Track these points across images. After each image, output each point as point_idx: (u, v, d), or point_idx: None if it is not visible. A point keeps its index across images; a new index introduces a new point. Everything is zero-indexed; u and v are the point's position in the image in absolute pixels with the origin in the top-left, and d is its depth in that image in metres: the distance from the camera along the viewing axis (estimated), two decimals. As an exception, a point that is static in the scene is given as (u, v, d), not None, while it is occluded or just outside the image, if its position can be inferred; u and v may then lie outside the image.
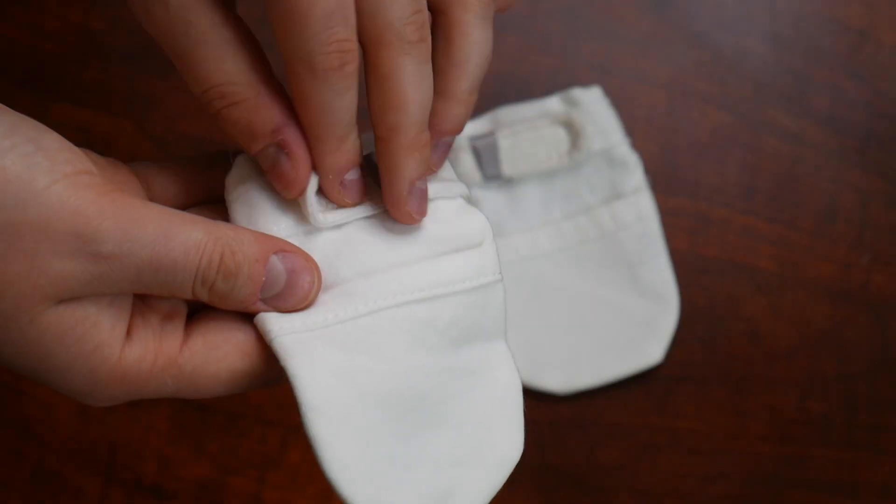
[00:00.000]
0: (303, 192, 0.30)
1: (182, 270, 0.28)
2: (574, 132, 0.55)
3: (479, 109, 0.57)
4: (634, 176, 0.56)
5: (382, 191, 0.30)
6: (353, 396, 0.29)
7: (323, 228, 0.30)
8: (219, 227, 0.28)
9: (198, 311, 0.31)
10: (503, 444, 0.32)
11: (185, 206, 0.32)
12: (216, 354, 0.29)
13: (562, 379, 0.55)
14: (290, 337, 0.29)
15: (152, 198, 0.32)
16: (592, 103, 0.55)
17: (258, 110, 0.29)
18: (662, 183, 0.57)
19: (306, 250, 0.30)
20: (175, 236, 0.27)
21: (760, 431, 0.56)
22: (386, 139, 0.29)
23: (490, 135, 0.55)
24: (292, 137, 0.29)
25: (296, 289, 0.29)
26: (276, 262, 0.29)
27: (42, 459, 0.54)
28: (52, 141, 0.27)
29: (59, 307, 0.27)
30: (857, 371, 0.56)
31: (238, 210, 0.31)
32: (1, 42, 0.56)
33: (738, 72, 0.57)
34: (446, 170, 0.33)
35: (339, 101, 0.28)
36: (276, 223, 0.30)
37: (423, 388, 0.30)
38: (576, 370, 0.55)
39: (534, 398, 0.56)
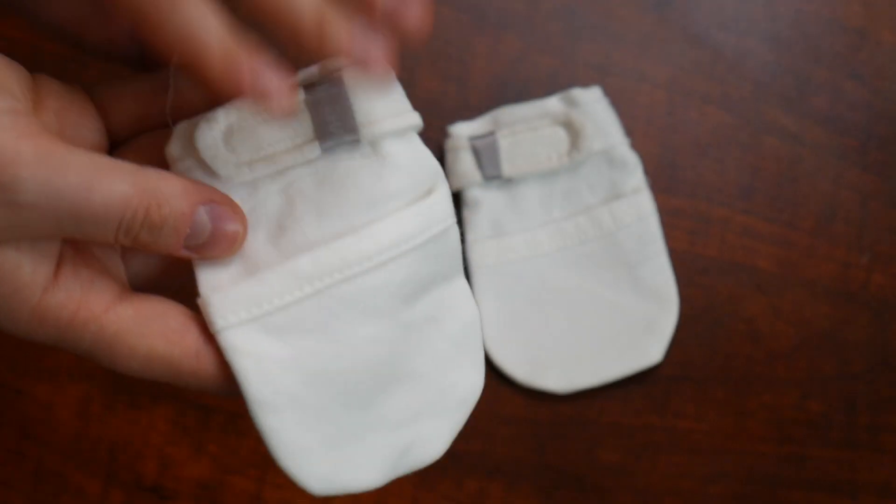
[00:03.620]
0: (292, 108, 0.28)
1: (104, 222, 0.27)
2: (574, 132, 0.55)
3: (479, 109, 0.57)
4: (634, 176, 0.56)
5: (287, 34, 0.28)
6: (301, 383, 0.29)
7: (267, 197, 0.30)
8: (147, 177, 0.28)
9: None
10: (461, 384, 0.31)
11: (143, 131, 0.32)
12: (141, 329, 0.29)
13: (562, 379, 0.55)
14: (235, 331, 0.29)
15: (109, 124, 0.31)
16: (592, 103, 0.55)
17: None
18: (662, 183, 0.57)
19: (250, 223, 0.30)
20: (98, 188, 0.26)
21: (760, 431, 0.56)
22: None
23: (490, 135, 0.55)
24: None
25: (220, 240, 0.29)
26: (202, 214, 0.29)
27: (42, 459, 0.54)
28: None
29: None
30: (856, 371, 0.57)
31: None
32: (1, 42, 0.56)
33: (737, 72, 0.57)
34: (395, 97, 0.30)
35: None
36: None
37: (379, 355, 0.30)
38: (576, 370, 0.56)
39: (534, 398, 0.56)
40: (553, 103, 0.56)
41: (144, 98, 0.32)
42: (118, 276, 0.31)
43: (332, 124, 0.30)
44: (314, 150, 0.30)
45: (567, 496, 0.56)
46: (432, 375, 0.31)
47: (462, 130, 0.56)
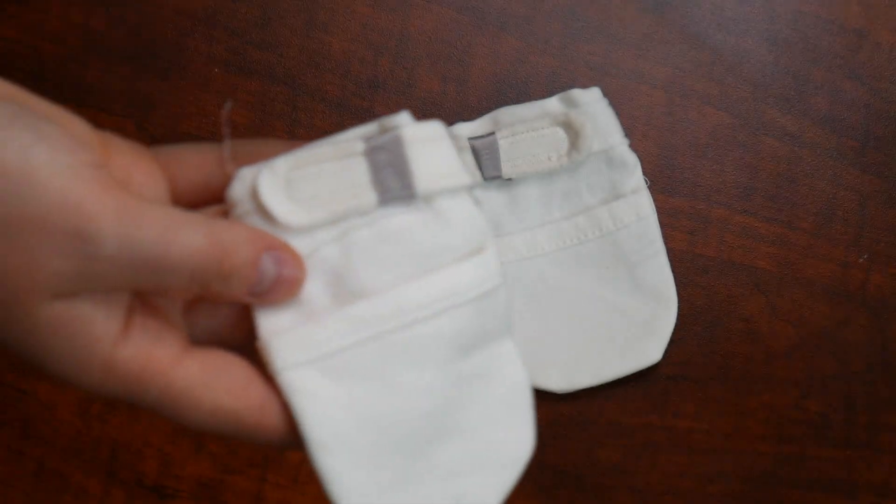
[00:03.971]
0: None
1: (180, 273, 0.28)
2: (573, 133, 0.55)
3: (479, 110, 0.57)
4: (633, 176, 0.56)
5: None
6: (357, 426, 0.30)
7: (323, 245, 0.31)
8: (218, 229, 0.29)
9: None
10: (512, 443, 0.32)
11: (205, 202, 0.32)
12: (207, 383, 0.29)
13: (561, 378, 0.55)
14: (294, 372, 0.30)
15: (174, 187, 0.32)
16: (592, 104, 0.55)
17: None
18: (661, 183, 0.57)
19: (307, 270, 0.31)
20: (175, 240, 0.27)
21: (759, 431, 0.56)
22: None
23: (490, 135, 0.55)
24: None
25: (282, 285, 0.30)
26: (267, 262, 0.29)
27: (44, 458, 0.54)
28: (55, 130, 0.27)
29: (54, 303, 0.27)
30: (855, 371, 0.57)
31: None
32: (1, 42, 0.56)
33: (736, 72, 0.58)
34: (449, 156, 0.32)
35: None
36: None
37: (432, 404, 0.31)
38: (575, 370, 0.56)
39: (534, 398, 0.56)
40: (553, 104, 0.56)
41: (208, 168, 0.32)
42: (181, 330, 0.31)
43: (390, 178, 0.31)
44: (371, 202, 0.30)
45: (567, 495, 0.56)
46: (481, 431, 0.32)
47: (462, 131, 0.56)
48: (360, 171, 0.30)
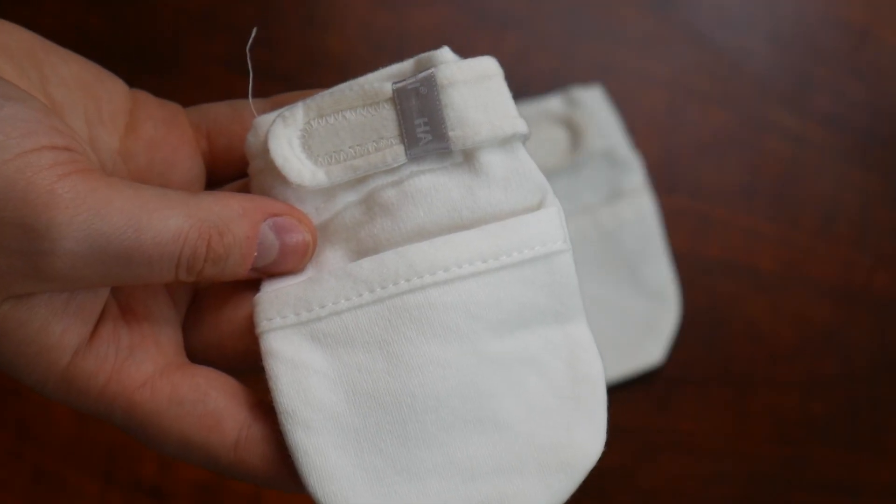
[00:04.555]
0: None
1: (159, 263, 0.24)
2: (574, 132, 0.55)
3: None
4: (635, 176, 0.56)
5: None
6: (345, 401, 0.26)
7: (345, 208, 0.27)
8: (201, 205, 0.25)
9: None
10: (572, 446, 0.27)
11: (246, 165, 0.29)
12: (174, 411, 0.25)
13: (562, 380, 0.55)
14: (277, 334, 0.26)
15: (212, 149, 0.29)
16: (593, 103, 0.55)
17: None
18: (663, 183, 0.57)
19: (326, 235, 0.27)
20: (148, 227, 0.23)
21: (762, 432, 0.56)
22: None
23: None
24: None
25: (289, 254, 0.27)
26: (268, 233, 0.26)
27: (41, 461, 0.54)
28: (17, 110, 0.23)
29: (2, 306, 0.24)
30: (858, 372, 0.56)
31: (255, 188, 0.28)
32: None
33: (739, 71, 0.57)
34: (497, 101, 0.26)
35: None
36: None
37: (453, 387, 0.26)
38: (576, 371, 0.55)
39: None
40: (554, 103, 0.56)
41: (242, 124, 0.29)
42: (169, 343, 0.27)
43: (420, 129, 0.26)
44: (399, 157, 0.26)
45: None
46: (525, 427, 0.26)
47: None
48: (386, 119, 0.26)
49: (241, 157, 0.28)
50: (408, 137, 0.26)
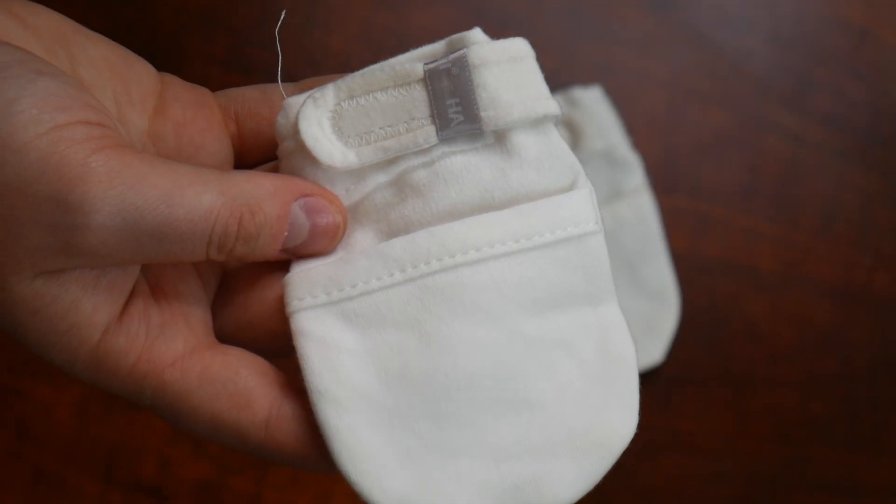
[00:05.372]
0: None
1: (191, 239, 0.24)
2: (574, 132, 0.55)
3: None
4: (635, 176, 0.56)
5: None
6: (377, 380, 0.26)
7: (375, 189, 0.27)
8: (234, 183, 0.25)
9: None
10: (604, 427, 0.27)
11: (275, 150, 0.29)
12: (205, 390, 0.25)
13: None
14: (308, 313, 0.26)
15: (241, 133, 0.29)
16: (593, 103, 0.55)
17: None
18: (663, 183, 0.57)
19: (356, 216, 0.27)
20: (181, 202, 0.23)
21: (761, 432, 0.56)
22: None
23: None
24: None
25: (319, 235, 0.26)
26: (299, 213, 0.26)
27: (41, 460, 0.54)
28: (50, 84, 0.23)
29: (35, 281, 0.23)
30: (858, 372, 0.56)
31: (285, 170, 0.28)
32: (0, 42, 0.56)
33: (739, 71, 0.57)
34: (529, 81, 0.26)
35: None
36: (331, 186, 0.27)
37: (488, 367, 0.26)
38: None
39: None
40: (554, 103, 0.56)
41: (271, 108, 0.29)
42: (199, 323, 0.27)
43: (452, 109, 0.26)
44: (430, 137, 0.26)
45: (568, 497, 0.56)
46: (557, 408, 0.26)
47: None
48: (417, 100, 0.26)
49: (270, 141, 0.28)
50: (439, 118, 0.26)
